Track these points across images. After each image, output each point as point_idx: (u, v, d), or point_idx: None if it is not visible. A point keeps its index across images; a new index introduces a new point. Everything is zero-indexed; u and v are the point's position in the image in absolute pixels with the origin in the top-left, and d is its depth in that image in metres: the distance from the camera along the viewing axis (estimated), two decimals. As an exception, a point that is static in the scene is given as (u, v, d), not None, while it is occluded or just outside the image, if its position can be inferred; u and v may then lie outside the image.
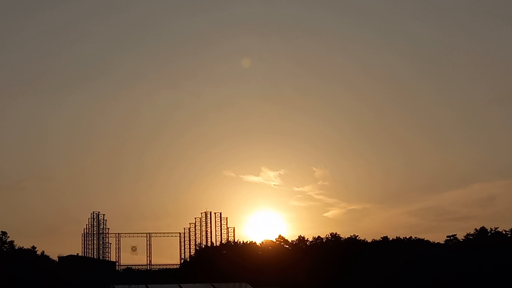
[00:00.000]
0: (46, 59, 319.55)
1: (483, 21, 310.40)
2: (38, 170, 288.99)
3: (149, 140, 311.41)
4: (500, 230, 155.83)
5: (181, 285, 58.71)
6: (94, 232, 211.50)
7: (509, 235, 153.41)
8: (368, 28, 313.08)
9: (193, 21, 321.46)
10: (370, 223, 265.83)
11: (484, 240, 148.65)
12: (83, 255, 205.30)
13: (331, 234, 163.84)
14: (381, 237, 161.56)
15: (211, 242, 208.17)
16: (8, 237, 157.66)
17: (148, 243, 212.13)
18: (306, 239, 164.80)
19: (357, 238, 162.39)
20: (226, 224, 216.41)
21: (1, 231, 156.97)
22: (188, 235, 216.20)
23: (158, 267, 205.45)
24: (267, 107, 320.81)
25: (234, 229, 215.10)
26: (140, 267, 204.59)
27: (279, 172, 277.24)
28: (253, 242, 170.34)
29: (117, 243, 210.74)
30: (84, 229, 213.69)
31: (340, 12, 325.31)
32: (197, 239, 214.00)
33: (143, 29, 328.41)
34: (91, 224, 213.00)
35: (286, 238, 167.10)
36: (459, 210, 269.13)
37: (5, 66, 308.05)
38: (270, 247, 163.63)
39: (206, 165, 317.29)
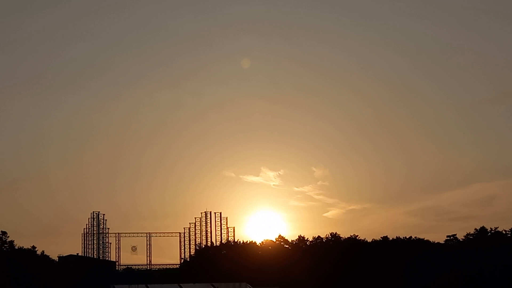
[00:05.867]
0: (44, 58, 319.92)
1: (485, 20, 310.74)
2: (35, 170, 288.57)
3: (149, 140, 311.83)
4: (500, 230, 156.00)
5: (181, 285, 58.80)
6: (94, 232, 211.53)
7: (509, 235, 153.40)
8: (370, 27, 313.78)
9: (193, 20, 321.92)
10: (370, 223, 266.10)
11: (484, 240, 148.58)
12: (83, 255, 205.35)
13: (331, 234, 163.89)
14: (381, 237, 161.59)
15: (211, 242, 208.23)
16: (8, 237, 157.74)
17: (148, 243, 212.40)
18: (306, 239, 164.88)
19: (357, 238, 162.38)
20: (226, 224, 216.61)
21: (1, 231, 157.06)
22: (188, 235, 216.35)
23: (158, 267, 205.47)
24: (268, 106, 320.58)
25: (234, 229, 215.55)
26: (140, 267, 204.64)
27: (279, 172, 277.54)
28: (253, 242, 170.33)
29: (117, 243, 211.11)
30: (84, 229, 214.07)
31: (342, 10, 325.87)
32: (197, 239, 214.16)
33: (142, 27, 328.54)
34: (91, 224, 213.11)
35: (286, 238, 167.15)
36: (459, 210, 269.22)
37: (3, 65, 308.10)
38: (270, 247, 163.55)
39: (206, 164, 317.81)
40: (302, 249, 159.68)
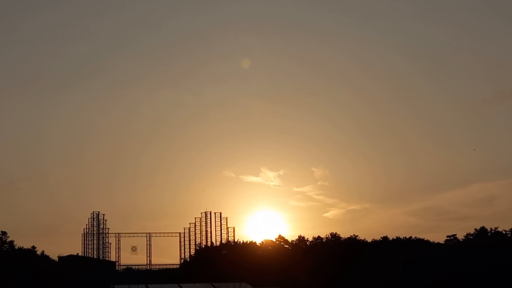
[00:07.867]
0: (44, 58, 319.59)
1: (485, 20, 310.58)
2: (35, 170, 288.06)
3: (149, 140, 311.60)
4: (500, 230, 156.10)
5: (181, 285, 58.85)
6: (94, 232, 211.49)
7: (509, 235, 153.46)
8: (370, 27, 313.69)
9: (193, 20, 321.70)
10: (370, 223, 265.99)
11: (484, 240, 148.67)
12: (83, 255, 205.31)
13: (331, 234, 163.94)
14: (381, 237, 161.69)
15: (211, 242, 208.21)
16: (8, 237, 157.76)
17: (148, 243, 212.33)
18: (306, 239, 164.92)
19: (357, 238, 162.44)
20: (226, 224, 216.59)
21: (1, 231, 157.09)
22: (188, 235, 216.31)
23: (158, 267, 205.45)
24: (268, 106, 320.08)
25: (234, 229, 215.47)
26: (140, 267, 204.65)
27: (279, 172, 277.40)
28: (253, 242, 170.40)
29: (117, 243, 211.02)
30: (84, 229, 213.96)
31: (342, 10, 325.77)
32: (197, 239, 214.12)
33: (142, 27, 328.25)
34: (91, 224, 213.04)
35: (286, 238, 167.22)
36: (459, 210, 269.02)
37: (3, 65, 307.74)
38: (270, 247, 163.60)
39: (206, 164, 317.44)
40: (302, 249, 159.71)
